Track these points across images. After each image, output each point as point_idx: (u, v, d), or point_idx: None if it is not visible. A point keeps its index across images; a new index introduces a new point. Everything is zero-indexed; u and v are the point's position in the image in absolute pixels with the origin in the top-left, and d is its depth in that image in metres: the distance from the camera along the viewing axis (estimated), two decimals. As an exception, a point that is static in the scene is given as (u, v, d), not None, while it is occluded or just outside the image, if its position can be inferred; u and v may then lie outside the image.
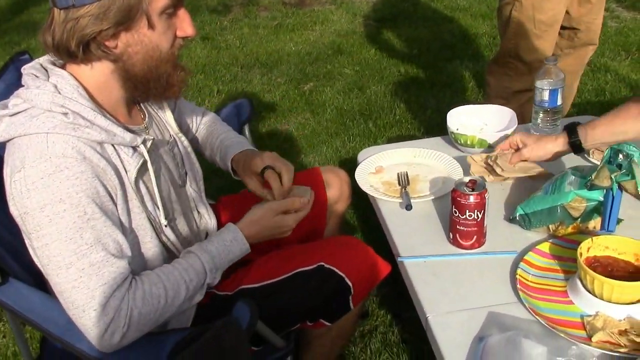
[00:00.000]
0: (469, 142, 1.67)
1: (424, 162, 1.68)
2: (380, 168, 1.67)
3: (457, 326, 1.15)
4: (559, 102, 1.67)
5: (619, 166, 1.23)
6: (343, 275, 1.37)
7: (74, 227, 1.08)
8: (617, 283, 1.11)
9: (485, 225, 1.33)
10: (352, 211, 2.60)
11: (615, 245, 1.20)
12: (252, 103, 1.85)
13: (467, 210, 1.29)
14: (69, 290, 1.09)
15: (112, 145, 1.17)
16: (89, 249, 1.09)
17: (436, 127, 3.11)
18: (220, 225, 1.51)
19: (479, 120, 1.78)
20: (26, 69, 1.20)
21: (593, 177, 1.25)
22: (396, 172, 1.63)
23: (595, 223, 1.31)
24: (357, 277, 1.39)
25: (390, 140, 3.14)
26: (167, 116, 1.44)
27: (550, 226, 1.33)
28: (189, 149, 1.47)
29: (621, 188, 1.25)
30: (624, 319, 1.10)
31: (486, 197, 1.30)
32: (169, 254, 1.30)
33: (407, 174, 1.61)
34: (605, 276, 1.11)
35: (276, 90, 3.96)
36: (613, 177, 1.22)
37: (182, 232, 1.37)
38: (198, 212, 1.47)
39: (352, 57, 4.41)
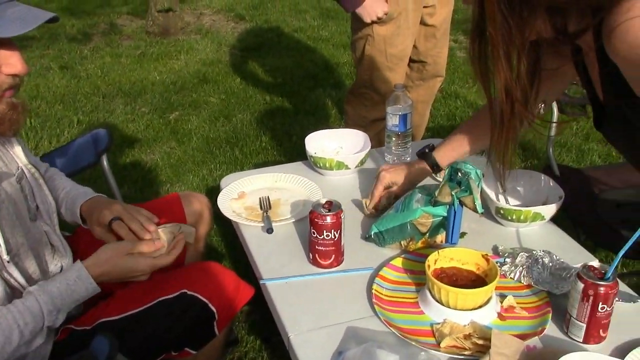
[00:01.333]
0: (327, 165, 1.74)
1: (285, 186, 1.73)
2: (243, 193, 1.70)
3: (317, 343, 1.18)
4: (409, 126, 1.78)
5: (459, 183, 1.34)
6: (206, 301, 1.37)
7: None
8: (460, 291, 1.20)
9: (342, 244, 1.39)
10: (219, 238, 2.59)
11: (459, 256, 1.30)
12: (110, 132, 1.81)
13: (325, 231, 1.34)
14: None
15: None
16: None
17: (301, 153, 3.18)
18: (76, 258, 1.45)
19: (335, 144, 1.86)
20: None
21: (436, 194, 1.35)
22: (258, 196, 1.66)
23: (441, 237, 1.41)
24: (221, 302, 1.39)
25: (256, 167, 3.18)
26: (14, 148, 1.37)
27: (402, 242, 1.42)
28: (41, 180, 1.41)
29: (462, 203, 1.35)
30: (468, 324, 1.19)
31: (342, 217, 1.35)
32: (13, 291, 1.23)
33: (268, 198, 1.64)
34: (451, 286, 1.20)
35: (140, 119, 3.88)
36: (454, 194, 1.32)
37: (28, 269, 1.30)
38: (52, 245, 1.41)
39: (217, 85, 4.43)
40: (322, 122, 3.73)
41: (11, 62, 1.16)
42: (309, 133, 1.88)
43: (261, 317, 2.11)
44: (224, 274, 1.45)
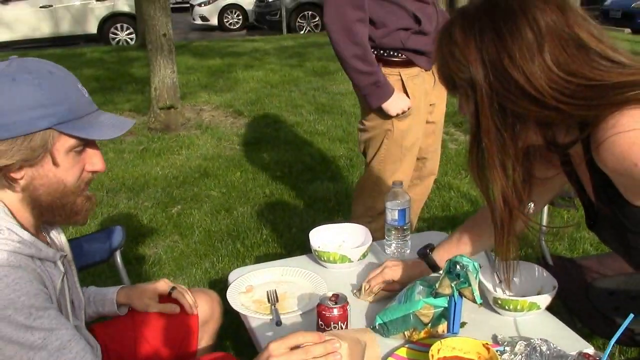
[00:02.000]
0: (331, 259, 1.82)
1: (291, 279, 1.80)
2: (250, 287, 1.77)
3: None
4: (407, 220, 1.88)
5: (457, 275, 1.42)
6: None
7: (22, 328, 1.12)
8: (463, 379, 1.26)
9: (349, 335, 1.45)
10: (225, 329, 2.62)
11: (461, 345, 1.36)
12: (124, 230, 1.90)
13: (332, 322, 1.41)
14: None
15: (39, 259, 1.24)
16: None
17: (301, 245, 3.28)
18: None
19: (338, 238, 1.95)
20: None
21: (437, 286, 1.43)
22: (265, 290, 1.73)
23: (443, 327, 1.48)
24: None
25: (258, 259, 3.25)
26: (62, 239, 1.47)
27: (405, 332, 1.48)
28: (76, 277, 1.50)
29: (461, 294, 1.43)
30: (473, 413, 1.24)
31: (348, 309, 1.43)
32: None
33: (276, 292, 1.71)
34: (454, 374, 1.26)
35: (143, 214, 3.98)
36: (453, 286, 1.40)
37: None
38: None
39: (218, 179, 4.56)
40: (321, 214, 3.84)
41: (94, 161, 1.31)
42: (308, 225, 1.98)
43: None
44: None
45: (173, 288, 1.69)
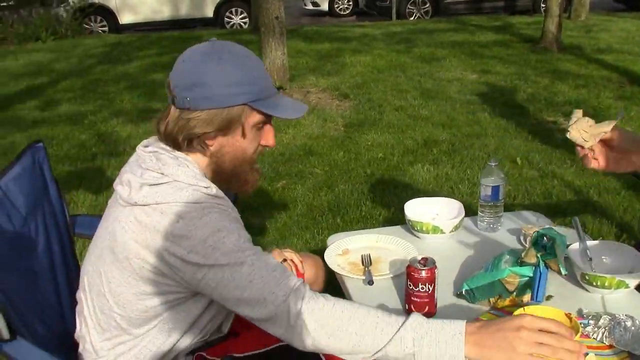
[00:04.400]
0: (424, 229, 1.91)
1: (384, 246, 1.91)
2: (347, 250, 1.89)
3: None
4: (501, 197, 1.94)
5: (544, 247, 1.47)
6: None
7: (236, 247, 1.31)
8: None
9: (435, 297, 1.54)
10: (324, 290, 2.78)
11: (544, 314, 1.41)
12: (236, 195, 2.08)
13: (420, 283, 1.51)
14: (247, 288, 1.27)
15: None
16: (251, 254, 1.31)
17: (398, 224, 3.35)
18: None
19: (432, 210, 2.03)
20: (146, 149, 1.44)
21: (523, 255, 1.49)
22: (360, 254, 1.85)
23: (528, 297, 1.53)
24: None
25: (356, 234, 3.38)
26: None
27: (491, 299, 1.55)
28: None
29: (547, 266, 1.49)
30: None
31: (436, 273, 1.52)
32: None
33: (370, 256, 1.83)
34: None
35: (250, 186, 4.21)
36: (539, 256, 1.46)
37: None
38: None
39: (322, 158, 4.72)
40: (419, 196, 3.89)
41: (269, 137, 1.50)
42: (406, 205, 2.07)
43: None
44: None
45: (284, 260, 1.83)
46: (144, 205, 1.34)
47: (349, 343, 1.23)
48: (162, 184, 1.36)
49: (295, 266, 1.86)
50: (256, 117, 1.42)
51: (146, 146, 1.46)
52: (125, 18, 13.41)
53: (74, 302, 1.59)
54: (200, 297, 1.43)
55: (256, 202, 3.95)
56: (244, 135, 1.43)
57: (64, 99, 6.94)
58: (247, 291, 1.27)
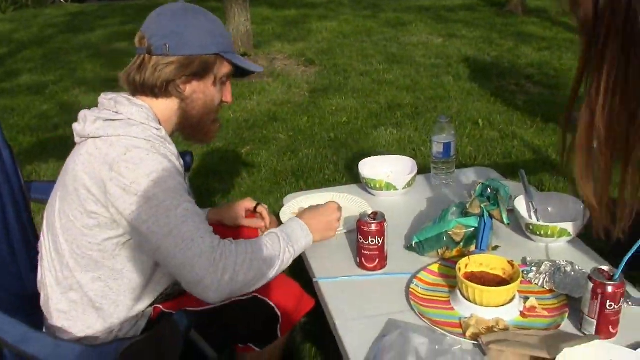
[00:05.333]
0: (377, 186, 1.95)
1: (339, 204, 1.94)
2: (302, 209, 1.92)
3: (359, 330, 1.36)
4: (452, 153, 1.98)
5: (488, 198, 1.52)
6: (273, 305, 1.59)
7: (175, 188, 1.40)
8: (486, 289, 1.37)
9: (385, 250, 1.59)
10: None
11: (488, 262, 1.47)
12: (192, 155, 2.08)
13: (370, 237, 1.55)
14: (179, 226, 1.36)
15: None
16: (188, 201, 1.41)
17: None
18: None
19: (386, 168, 2.07)
20: (107, 97, 1.51)
21: (467, 206, 1.54)
22: (315, 212, 1.88)
23: (474, 247, 1.59)
24: (285, 308, 1.60)
25: (319, 197, 3.41)
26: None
27: (439, 250, 1.60)
28: None
29: (491, 216, 1.54)
30: (492, 319, 1.36)
31: (385, 226, 1.56)
32: None
33: (324, 213, 1.86)
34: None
35: (215, 153, 4.21)
36: (483, 207, 1.51)
37: None
38: None
39: (286, 124, 4.73)
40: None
41: (228, 94, 1.63)
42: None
43: (318, 328, 2.31)
44: (290, 284, 1.67)
45: (258, 203, 1.92)
46: (96, 137, 1.42)
47: (259, 270, 1.46)
48: (115, 120, 1.44)
49: (264, 219, 1.90)
50: (225, 69, 1.57)
51: (108, 96, 1.53)
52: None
53: (32, 265, 1.61)
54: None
55: (220, 168, 3.96)
56: (214, 84, 1.55)
57: (25, 69, 6.80)
58: (177, 229, 1.36)
